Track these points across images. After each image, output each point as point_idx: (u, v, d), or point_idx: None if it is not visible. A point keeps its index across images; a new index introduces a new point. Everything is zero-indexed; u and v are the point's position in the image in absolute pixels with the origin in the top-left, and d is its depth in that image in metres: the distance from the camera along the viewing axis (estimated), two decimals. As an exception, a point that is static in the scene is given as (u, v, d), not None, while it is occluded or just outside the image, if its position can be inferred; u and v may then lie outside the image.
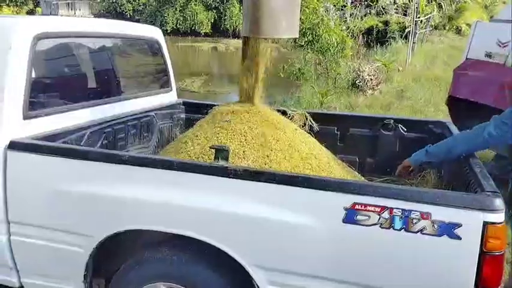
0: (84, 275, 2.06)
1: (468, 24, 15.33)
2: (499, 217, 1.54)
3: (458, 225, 1.54)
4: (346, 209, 1.64)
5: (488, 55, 4.83)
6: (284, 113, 3.03)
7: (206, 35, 27.14)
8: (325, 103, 8.07)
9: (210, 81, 13.12)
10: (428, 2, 17.64)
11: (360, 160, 3.12)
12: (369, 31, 18.30)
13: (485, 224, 1.53)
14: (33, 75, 2.24)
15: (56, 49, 2.55)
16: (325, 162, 2.53)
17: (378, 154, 3.09)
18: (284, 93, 9.24)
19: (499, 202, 1.55)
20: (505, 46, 4.70)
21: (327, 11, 9.96)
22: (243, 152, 2.30)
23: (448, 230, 1.55)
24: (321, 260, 1.71)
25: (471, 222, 1.54)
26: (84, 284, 2.09)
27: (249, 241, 1.80)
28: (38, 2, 31.11)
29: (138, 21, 24.30)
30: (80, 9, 29.90)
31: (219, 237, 1.81)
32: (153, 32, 3.28)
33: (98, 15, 27.98)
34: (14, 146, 2.05)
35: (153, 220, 1.90)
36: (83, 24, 2.86)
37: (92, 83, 2.89)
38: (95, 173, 1.97)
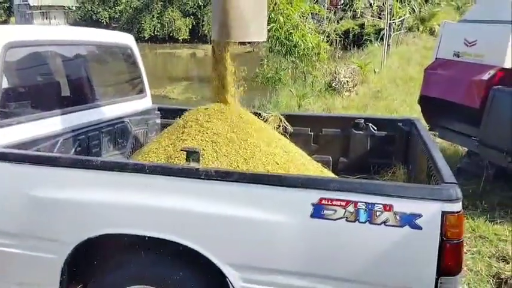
0: (60, 281, 2.05)
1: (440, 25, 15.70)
2: (457, 206, 1.62)
3: (419, 216, 1.61)
4: (313, 205, 1.70)
5: (457, 54, 4.99)
6: (258, 115, 3.09)
7: (185, 41, 27.10)
8: (303, 106, 8.17)
9: (190, 88, 13.13)
10: (402, 3, 18.00)
11: (333, 159, 3.20)
12: (345, 34, 18.57)
13: (444, 214, 1.60)
14: (5, 84, 2.24)
15: (28, 57, 2.56)
16: (299, 163, 2.59)
17: (350, 153, 3.17)
18: (263, 98, 9.31)
19: (456, 192, 1.62)
20: (472, 45, 4.86)
21: (303, 16, 10.08)
22: (216, 153, 2.34)
23: (410, 220, 1.62)
24: (291, 255, 1.76)
25: (431, 212, 1.61)
26: (60, 291, 2.09)
27: (222, 240, 1.83)
28: (12, 11, 30.60)
29: (114, 28, 24.13)
30: (55, 18, 29.52)
31: (193, 238, 1.85)
32: (125, 39, 3.30)
33: (73, 23, 27.66)
34: (-15, 154, 2.05)
35: (127, 224, 1.92)
36: (55, 32, 2.87)
37: (65, 91, 2.90)
38: (67, 179, 1.99)
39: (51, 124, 2.52)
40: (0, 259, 2.13)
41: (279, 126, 3.19)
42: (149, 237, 1.89)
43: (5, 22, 29.41)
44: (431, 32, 18.41)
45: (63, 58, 2.92)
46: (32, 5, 30.00)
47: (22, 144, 2.25)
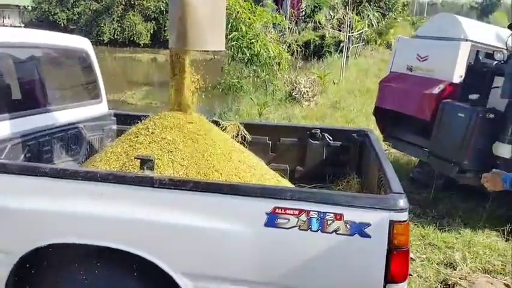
0: (5, 293, 1.97)
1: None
2: (404, 216, 1.69)
3: (368, 225, 1.66)
4: (267, 214, 1.72)
5: (410, 68, 5.20)
6: (217, 123, 3.09)
7: (146, 45, 26.70)
8: (264, 114, 8.25)
9: (150, 93, 12.93)
10: (361, 17, 18.59)
11: (291, 168, 3.24)
12: (306, 45, 18.93)
13: (392, 223, 1.66)
14: None
15: None
16: (256, 171, 2.61)
17: (307, 162, 3.23)
18: (224, 105, 9.33)
19: (403, 202, 1.69)
20: (424, 60, 5.08)
21: (265, 25, 10.21)
22: (171, 162, 2.32)
23: (359, 229, 1.67)
24: (245, 263, 1.77)
25: (379, 221, 1.67)
26: (6, 304, 2.00)
27: (175, 249, 1.82)
28: (-38, 9, 29.15)
29: (72, 30, 23.43)
30: (8, 18, 28.32)
31: (145, 247, 1.82)
32: (81, 42, 3.22)
33: (28, 24, 26.64)
34: None
35: (78, 233, 1.87)
36: (6, 33, 2.76)
37: (15, 94, 2.78)
38: (15, 186, 1.91)
39: None
40: None
41: (238, 134, 3.21)
42: (101, 247, 1.85)
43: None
44: (388, 46, 19.13)
45: (14, 60, 2.80)
46: (-16, 3, 28.69)
47: None
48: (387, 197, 1.74)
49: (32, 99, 2.83)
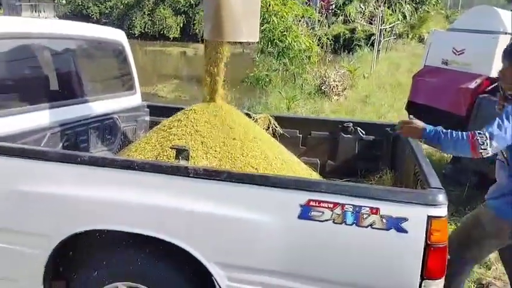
0: (44, 276, 2.04)
1: (429, 33, 15.94)
2: (442, 211, 1.64)
3: (405, 219, 1.63)
4: (301, 206, 1.71)
5: (445, 62, 5.07)
6: (248, 116, 3.10)
7: (175, 39, 26.94)
8: (292, 108, 8.21)
9: (179, 87, 13.07)
10: (393, 11, 18.21)
11: (321, 162, 3.22)
12: (335, 38, 18.69)
13: (430, 218, 1.63)
14: None
15: (16, 50, 2.52)
16: (287, 164, 2.60)
17: (338, 156, 3.19)
18: (252, 99, 9.33)
19: (442, 197, 1.65)
20: (460, 54, 4.94)
21: (296, 18, 10.13)
22: (205, 153, 2.34)
23: (396, 224, 1.64)
24: (278, 255, 1.77)
25: (416, 216, 1.63)
26: (44, 286, 2.06)
27: (209, 239, 1.84)
28: (0, 4, 30.17)
29: (105, 24, 23.88)
30: (44, 11, 29.10)
31: (180, 236, 1.84)
32: (116, 35, 3.28)
33: (62, 17, 27.31)
34: (-30, 146, 2.02)
35: (113, 220, 1.91)
36: (45, 25, 2.84)
37: (53, 85, 2.86)
38: (54, 173, 1.97)
39: (39, 118, 2.49)
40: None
41: (268, 127, 3.21)
42: (135, 234, 1.89)
43: (-7, 13, 28.95)
44: (420, 39, 18.65)
45: (52, 52, 2.88)
46: (21, -3, 29.61)
47: (9, 137, 2.23)
48: (426, 192, 1.70)
49: (69, 90, 2.91)
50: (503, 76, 2.24)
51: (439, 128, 2.18)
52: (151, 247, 1.93)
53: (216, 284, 1.87)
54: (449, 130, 2.15)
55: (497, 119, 2.07)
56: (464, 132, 2.09)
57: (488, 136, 2.02)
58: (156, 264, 1.95)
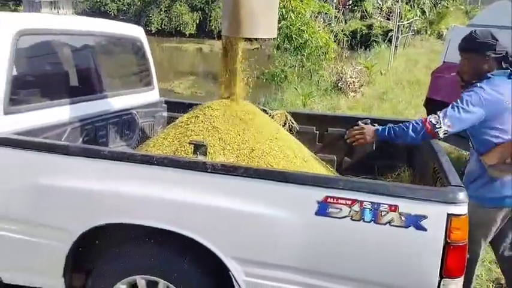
0: (64, 269, 2.08)
1: (448, 29, 15.70)
2: (462, 209, 1.63)
3: (424, 217, 1.62)
4: (318, 202, 1.71)
5: (465, 59, 4.97)
6: (265, 112, 3.10)
7: (191, 35, 27.04)
8: (308, 105, 8.18)
9: (196, 83, 13.14)
10: (411, 7, 17.96)
11: (338, 159, 3.20)
12: (352, 34, 18.53)
13: (449, 216, 1.61)
14: (15, 71, 2.26)
15: (38, 46, 2.57)
16: (304, 160, 2.60)
17: (355, 153, 3.17)
18: (267, 95, 9.33)
19: (462, 195, 1.63)
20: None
21: (312, 14, 10.07)
22: (223, 148, 2.35)
23: (415, 221, 1.62)
24: (294, 251, 1.77)
25: (436, 214, 1.62)
26: (64, 278, 2.11)
27: (226, 234, 1.85)
28: (20, 0, 30.68)
29: (122, 20, 24.07)
30: (63, 8, 29.53)
31: (197, 230, 1.86)
32: (135, 31, 3.31)
33: (81, 14, 27.65)
34: (-6, 140, 2.07)
35: (132, 214, 1.94)
36: (65, 21, 2.88)
37: (73, 80, 2.91)
38: (75, 167, 2.00)
39: (60, 113, 2.53)
40: (6, 245, 2.15)
41: (285, 123, 3.20)
42: (154, 228, 1.91)
43: (15, 10, 29.47)
44: (439, 36, 18.38)
45: (72, 48, 2.93)
46: (40, -6, 30.08)
47: (31, 131, 2.27)
48: (446, 190, 1.68)
49: (89, 86, 2.95)
50: (461, 66, 2.47)
51: (389, 124, 2.34)
52: (169, 241, 1.95)
53: (233, 278, 1.88)
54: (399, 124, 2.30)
55: (453, 102, 2.22)
56: (416, 119, 2.26)
57: (441, 115, 2.18)
58: (174, 259, 1.97)
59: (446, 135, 2.19)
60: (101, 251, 2.09)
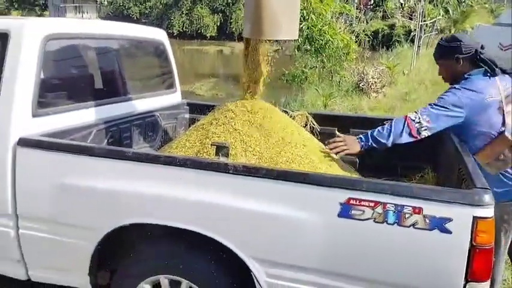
0: (90, 267, 2.13)
1: (474, 28, 15.35)
2: (489, 212, 1.59)
3: (449, 220, 1.59)
4: (341, 204, 1.70)
5: (490, 58, 4.87)
6: (285, 113, 3.09)
7: (212, 38, 27.26)
8: (329, 105, 8.13)
9: (217, 85, 13.24)
10: (434, 6, 17.64)
11: (360, 160, 3.17)
12: (374, 34, 18.34)
13: (475, 219, 1.58)
14: (43, 74, 2.32)
15: (65, 50, 2.64)
16: (326, 161, 2.58)
17: (377, 154, 3.13)
18: (288, 96, 9.31)
19: (488, 197, 1.60)
20: (506, 49, 4.75)
21: (334, 15, 10.01)
22: (245, 150, 2.36)
23: (439, 224, 1.60)
24: (316, 253, 1.77)
25: (461, 216, 1.59)
26: (90, 276, 2.16)
27: (248, 235, 1.86)
28: (46, 5, 31.47)
29: (145, 24, 24.48)
30: (87, 13, 30.20)
31: (220, 231, 1.88)
32: (158, 34, 3.36)
33: (105, 18, 28.21)
34: (23, 142, 2.14)
35: (157, 214, 1.97)
36: (91, 26, 2.95)
37: (98, 83, 2.97)
38: (100, 168, 2.05)
39: (85, 115, 2.59)
40: (34, 244, 2.21)
41: (306, 124, 3.19)
42: (178, 228, 1.94)
43: (41, 15, 30.29)
44: (464, 35, 17.96)
45: (97, 51, 2.99)
46: (65, -2, 30.83)
47: (58, 133, 2.33)
48: (471, 192, 1.65)
49: (114, 89, 3.01)
50: (440, 73, 2.59)
51: (368, 131, 2.42)
52: (193, 242, 1.97)
53: (254, 279, 1.89)
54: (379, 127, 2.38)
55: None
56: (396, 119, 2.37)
57: (419, 112, 2.31)
58: (197, 259, 2.00)
59: (427, 131, 2.29)
60: (125, 250, 2.13)
